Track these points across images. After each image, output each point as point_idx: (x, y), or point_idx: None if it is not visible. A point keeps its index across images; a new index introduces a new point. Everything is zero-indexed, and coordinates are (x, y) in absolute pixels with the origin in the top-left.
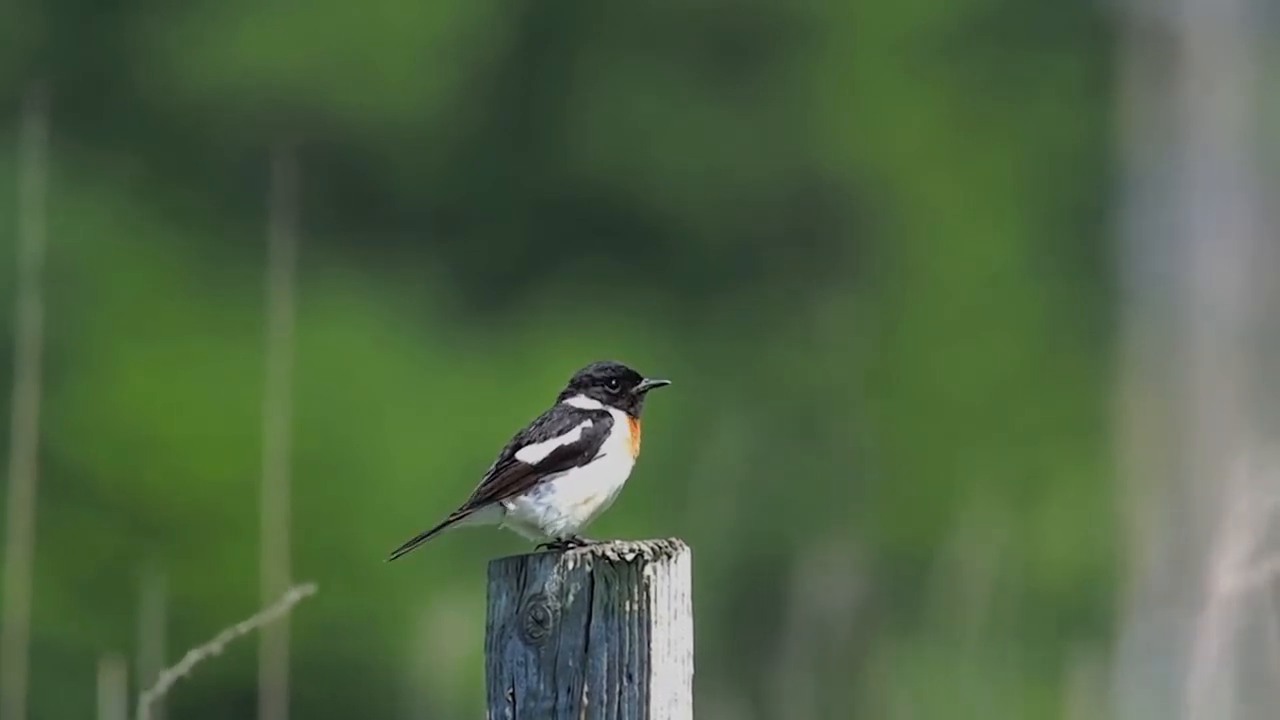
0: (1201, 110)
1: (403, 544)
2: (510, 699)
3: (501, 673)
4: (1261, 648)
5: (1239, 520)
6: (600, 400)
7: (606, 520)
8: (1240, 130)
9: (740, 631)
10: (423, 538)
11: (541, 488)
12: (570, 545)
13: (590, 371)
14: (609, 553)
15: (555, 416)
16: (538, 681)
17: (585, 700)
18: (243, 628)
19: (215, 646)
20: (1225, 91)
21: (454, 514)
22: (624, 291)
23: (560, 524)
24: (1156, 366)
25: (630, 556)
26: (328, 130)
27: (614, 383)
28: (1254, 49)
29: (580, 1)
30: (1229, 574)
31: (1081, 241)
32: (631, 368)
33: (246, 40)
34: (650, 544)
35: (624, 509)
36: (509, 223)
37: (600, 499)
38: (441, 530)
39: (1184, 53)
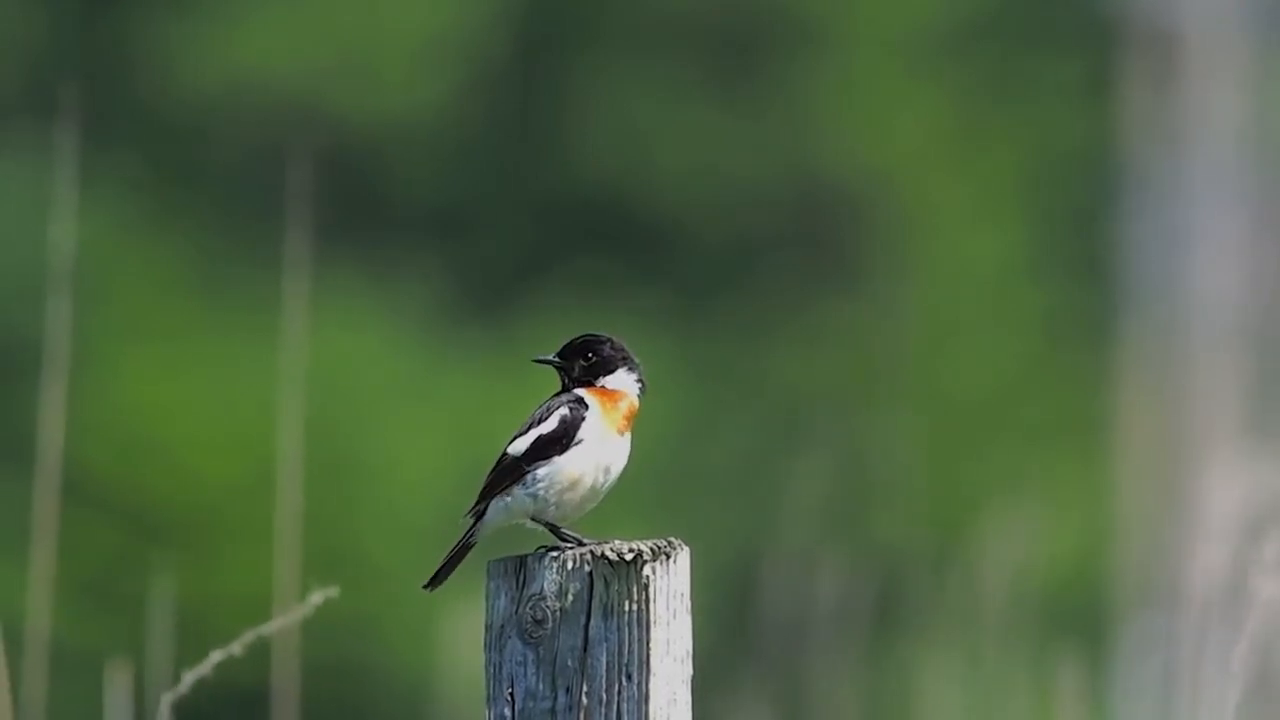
0: (1201, 110)
1: (436, 571)
2: (509, 699)
3: (501, 672)
4: (1266, 648)
5: (1235, 520)
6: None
7: (606, 520)
8: (1240, 130)
9: (739, 632)
10: (455, 560)
11: (528, 478)
12: (569, 545)
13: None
14: (608, 553)
15: (539, 405)
16: (537, 681)
17: (584, 700)
18: (265, 630)
19: (236, 648)
20: (1225, 91)
21: (469, 527)
22: (624, 292)
23: (552, 510)
24: (1156, 366)
25: (629, 556)
26: (328, 130)
27: (561, 371)
28: (1254, 49)
29: (580, 2)
30: (1266, 577)
31: (1081, 241)
32: (572, 343)
33: (247, 41)
34: (649, 544)
35: (624, 510)
36: (509, 223)
37: (587, 482)
38: (470, 546)
39: (1184, 53)
